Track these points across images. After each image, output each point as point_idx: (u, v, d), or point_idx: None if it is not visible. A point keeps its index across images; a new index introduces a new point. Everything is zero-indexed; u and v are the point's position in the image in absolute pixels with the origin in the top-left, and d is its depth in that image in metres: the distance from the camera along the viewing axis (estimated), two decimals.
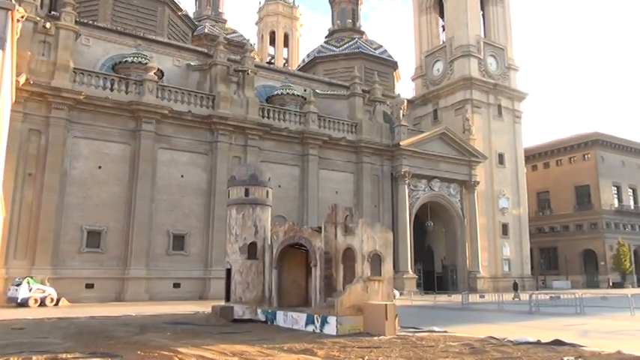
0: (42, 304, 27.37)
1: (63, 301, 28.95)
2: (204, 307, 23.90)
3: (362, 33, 66.53)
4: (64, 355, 10.24)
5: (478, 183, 51.42)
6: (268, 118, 40.93)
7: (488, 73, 57.07)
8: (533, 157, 75.17)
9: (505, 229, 54.31)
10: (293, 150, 41.75)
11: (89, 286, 31.74)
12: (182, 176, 36.49)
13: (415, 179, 47.54)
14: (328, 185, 43.20)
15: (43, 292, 27.85)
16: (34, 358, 9.83)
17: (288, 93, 46.62)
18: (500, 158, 55.75)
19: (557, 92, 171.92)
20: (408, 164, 46.61)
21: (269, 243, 19.40)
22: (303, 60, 66.70)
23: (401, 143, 46.04)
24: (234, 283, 19.14)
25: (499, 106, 56.85)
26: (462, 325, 18.19)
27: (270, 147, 40.44)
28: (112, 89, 34.72)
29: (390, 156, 46.79)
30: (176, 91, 37.36)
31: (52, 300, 27.98)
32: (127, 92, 35.18)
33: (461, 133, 51.97)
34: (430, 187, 48.69)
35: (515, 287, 40.53)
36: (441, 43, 60.10)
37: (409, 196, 46.76)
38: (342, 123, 45.23)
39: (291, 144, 41.68)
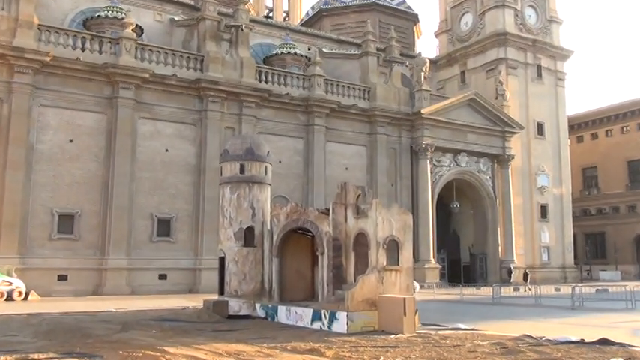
0: (9, 297, 27.82)
1: (33, 295, 29.43)
2: (195, 302, 24.23)
3: None
4: (36, 356, 10.44)
5: (513, 157, 51.21)
6: (266, 82, 40.74)
7: (526, 27, 56.23)
8: (579, 126, 74.48)
9: (544, 211, 54.25)
10: (296, 119, 41.68)
11: (62, 277, 32.17)
12: (167, 151, 36.59)
13: (439, 153, 47.42)
14: (337, 160, 43.23)
15: (10, 284, 28.28)
16: (2, 358, 10.04)
17: (289, 52, 46.27)
18: (540, 128, 55.32)
19: (607, 50, 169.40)
20: (431, 135, 46.44)
21: (268, 228, 19.54)
22: (307, 13, 65.97)
23: (422, 111, 45.81)
24: (229, 273, 19.37)
25: (539, 67, 56.14)
26: (492, 321, 18.34)
27: (268, 116, 40.37)
28: (83, 49, 34.56)
29: (410, 126, 46.61)
30: (158, 51, 37.17)
31: (20, 293, 28.44)
32: (100, 52, 35.04)
33: (493, 98, 51.54)
34: (456, 163, 48.58)
35: (526, 277, 40.67)
36: None
37: (432, 173, 46.72)
38: (354, 87, 44.98)
39: (294, 112, 41.58)
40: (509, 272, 47.79)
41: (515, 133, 51.41)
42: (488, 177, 50.53)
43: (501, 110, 50.77)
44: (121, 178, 34.40)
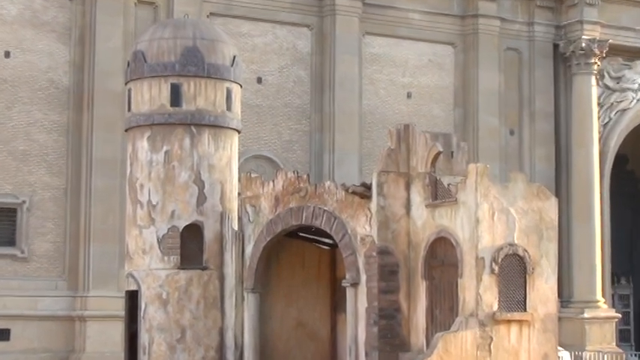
0: None
1: None
2: None
3: None
4: None
5: None
6: None
7: None
8: None
9: None
10: None
11: None
12: (7, 55, 36.84)
13: (618, 61, 47.49)
14: (388, 77, 43.44)
15: None
16: None
17: None
18: None
19: None
20: (601, 21, 46.33)
21: (234, 228, 19.75)
22: None
23: None
24: (149, 328, 19.63)
25: None
26: None
27: None
28: None
29: (552, 1, 46.59)
30: None
31: None
32: None
33: None
34: None
35: None
36: None
37: (601, 106, 46.79)
38: None
39: None
40: None
41: None
42: None
43: None
44: None
